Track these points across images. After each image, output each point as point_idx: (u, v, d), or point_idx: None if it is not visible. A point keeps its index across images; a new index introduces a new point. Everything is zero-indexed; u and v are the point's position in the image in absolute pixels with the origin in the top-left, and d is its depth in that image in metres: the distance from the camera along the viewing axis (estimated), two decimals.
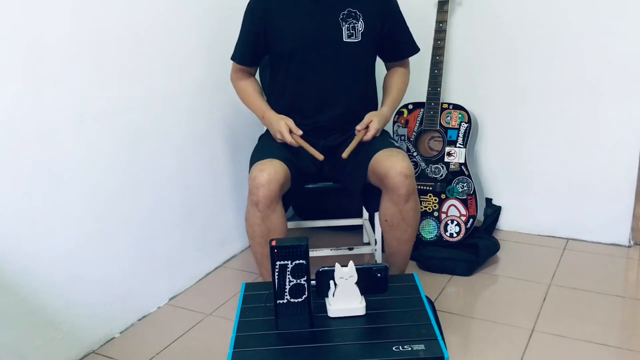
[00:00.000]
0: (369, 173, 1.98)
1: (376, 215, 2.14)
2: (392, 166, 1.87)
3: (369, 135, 2.00)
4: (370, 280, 1.44)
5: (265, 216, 1.85)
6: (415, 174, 2.55)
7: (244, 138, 2.58)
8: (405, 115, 2.61)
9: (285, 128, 1.97)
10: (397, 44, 2.16)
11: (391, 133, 2.57)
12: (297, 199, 2.09)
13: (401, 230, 1.97)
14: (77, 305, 1.91)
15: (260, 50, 2.10)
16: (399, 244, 2.03)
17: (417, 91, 2.56)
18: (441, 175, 2.53)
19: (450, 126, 2.53)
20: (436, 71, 2.50)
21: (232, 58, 2.13)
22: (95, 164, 1.93)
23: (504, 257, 2.54)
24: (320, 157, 1.94)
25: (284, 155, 1.96)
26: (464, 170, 2.51)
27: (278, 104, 2.10)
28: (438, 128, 2.54)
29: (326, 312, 1.44)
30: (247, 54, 2.10)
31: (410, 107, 2.60)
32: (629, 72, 2.41)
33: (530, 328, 2.01)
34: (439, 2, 2.49)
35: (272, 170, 1.84)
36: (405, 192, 1.89)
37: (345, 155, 1.95)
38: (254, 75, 2.18)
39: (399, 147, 2.01)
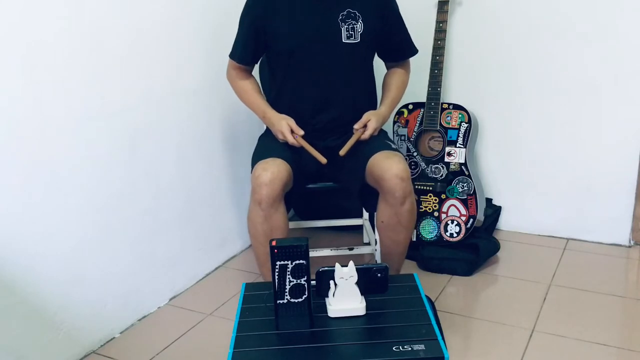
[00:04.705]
0: (367, 174, 1.98)
1: (376, 215, 2.14)
2: (389, 169, 1.87)
3: (366, 134, 2.00)
4: (371, 281, 1.44)
5: (268, 215, 1.85)
6: (416, 174, 2.56)
7: (244, 138, 2.58)
8: (405, 115, 2.61)
9: (286, 128, 1.97)
10: (395, 45, 2.15)
11: (391, 133, 2.57)
12: (298, 199, 2.09)
13: (396, 232, 1.98)
14: (77, 305, 1.91)
15: (260, 49, 2.10)
16: (393, 245, 2.03)
17: (417, 91, 2.56)
18: (441, 175, 2.53)
19: (451, 126, 2.53)
20: (436, 71, 2.50)
21: (232, 57, 2.12)
22: (95, 164, 1.93)
23: (504, 257, 2.54)
24: (323, 160, 1.93)
25: (286, 154, 1.96)
26: (464, 170, 2.51)
27: (277, 104, 2.09)
28: (438, 128, 2.54)
29: (326, 312, 1.44)
30: (247, 53, 2.10)
31: (411, 107, 2.60)
32: (629, 72, 2.40)
33: (530, 328, 2.01)
34: (439, 2, 2.49)
35: (276, 169, 1.84)
36: (401, 195, 1.88)
37: (342, 152, 1.94)
38: (251, 72, 2.18)
39: (396, 149, 2.01)
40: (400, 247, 2.04)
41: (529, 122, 2.63)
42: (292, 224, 2.50)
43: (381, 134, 2.11)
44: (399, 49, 2.18)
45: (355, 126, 2.01)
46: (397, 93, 2.17)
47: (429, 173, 2.56)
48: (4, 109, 1.64)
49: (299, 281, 1.39)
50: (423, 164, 2.57)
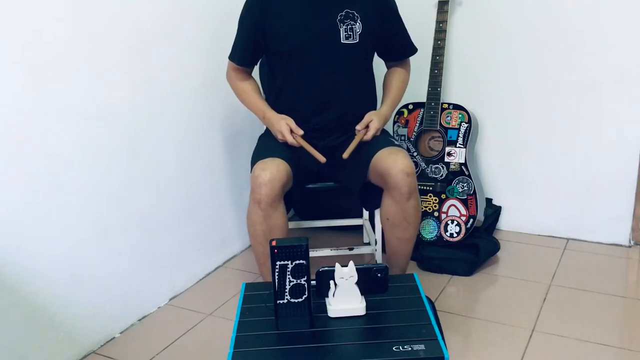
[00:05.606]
0: (371, 172, 1.98)
1: (376, 215, 2.15)
2: (394, 164, 1.88)
3: (369, 135, 2.00)
4: (371, 281, 1.44)
5: (267, 215, 1.86)
6: (416, 174, 2.55)
7: (244, 138, 2.59)
8: (405, 115, 2.61)
9: (286, 128, 1.97)
10: (395, 45, 2.16)
11: (391, 133, 2.57)
12: (297, 198, 2.09)
13: (402, 229, 1.98)
14: (77, 305, 1.91)
15: (259, 50, 2.10)
16: (400, 243, 2.03)
17: (417, 91, 2.56)
18: (441, 175, 2.53)
19: (451, 126, 2.53)
20: (436, 71, 2.50)
21: (231, 58, 2.12)
22: (96, 164, 1.93)
23: (504, 257, 2.54)
24: (322, 159, 1.94)
25: (286, 154, 1.97)
26: (464, 170, 2.51)
27: (277, 105, 2.10)
28: (438, 128, 2.54)
29: (326, 312, 1.44)
30: (246, 55, 2.09)
31: (411, 107, 2.60)
32: (629, 72, 2.41)
33: (530, 328, 2.01)
34: (439, 2, 2.49)
35: (275, 169, 1.85)
36: (407, 190, 1.90)
37: (346, 155, 1.95)
38: (251, 74, 2.18)
39: (399, 146, 2.02)
40: (407, 245, 2.04)
41: (529, 122, 2.63)
42: (292, 224, 2.50)
43: (383, 132, 2.12)
44: (399, 48, 2.18)
45: (358, 127, 2.02)
46: (397, 93, 2.17)
47: (429, 173, 2.56)
48: (4, 109, 1.64)
49: (299, 281, 1.39)
50: (423, 164, 2.57)
